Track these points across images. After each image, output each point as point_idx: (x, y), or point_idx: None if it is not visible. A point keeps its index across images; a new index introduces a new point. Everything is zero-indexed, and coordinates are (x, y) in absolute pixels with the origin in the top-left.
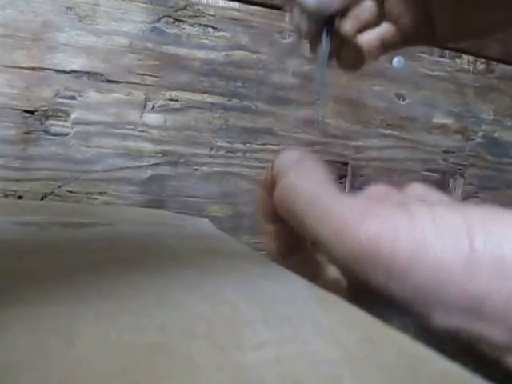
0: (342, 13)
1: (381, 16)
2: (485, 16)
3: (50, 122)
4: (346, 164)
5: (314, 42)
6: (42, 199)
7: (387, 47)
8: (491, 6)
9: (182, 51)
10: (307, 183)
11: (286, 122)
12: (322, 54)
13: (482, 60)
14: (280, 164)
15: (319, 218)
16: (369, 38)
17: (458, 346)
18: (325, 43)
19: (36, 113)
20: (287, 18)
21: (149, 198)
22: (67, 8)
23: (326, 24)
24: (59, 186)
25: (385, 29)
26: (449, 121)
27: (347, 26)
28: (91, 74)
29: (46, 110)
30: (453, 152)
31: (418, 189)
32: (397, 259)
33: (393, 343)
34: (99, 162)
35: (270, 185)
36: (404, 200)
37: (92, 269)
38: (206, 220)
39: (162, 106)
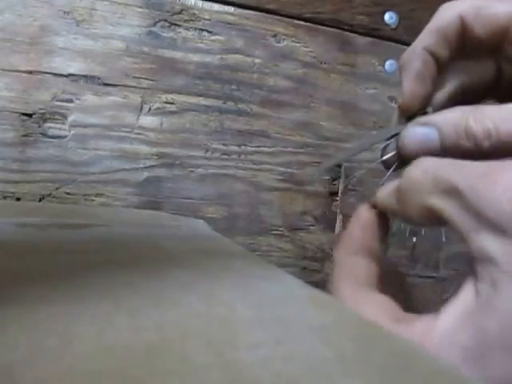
0: None
1: None
2: None
3: (48, 124)
4: (339, 166)
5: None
6: (39, 201)
7: None
8: None
9: (178, 55)
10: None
11: (281, 124)
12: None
13: None
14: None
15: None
16: None
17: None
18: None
19: (34, 116)
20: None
21: (145, 200)
22: (64, 12)
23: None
24: (57, 188)
25: None
26: None
27: None
28: (88, 78)
29: (44, 113)
30: None
31: None
32: None
33: (385, 342)
34: (96, 164)
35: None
36: None
37: (89, 269)
38: (202, 221)
39: (158, 108)
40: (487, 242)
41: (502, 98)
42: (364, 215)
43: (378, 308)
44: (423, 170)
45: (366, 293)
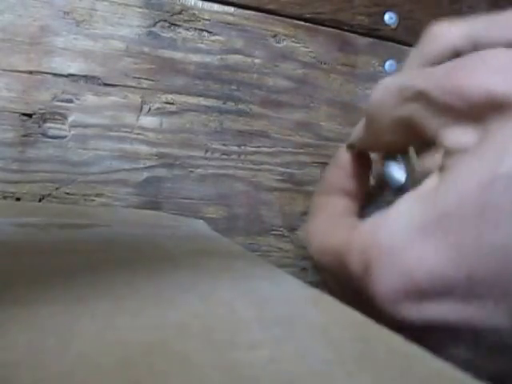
0: None
1: None
2: None
3: (48, 124)
4: None
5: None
6: (39, 201)
7: None
8: None
9: (178, 55)
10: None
11: (280, 124)
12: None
13: None
14: None
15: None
16: None
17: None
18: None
19: (34, 116)
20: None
21: (145, 200)
22: (64, 13)
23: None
24: (57, 188)
25: None
26: None
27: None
28: (88, 78)
29: (44, 113)
30: None
31: None
32: None
33: (385, 342)
34: (96, 165)
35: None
36: None
37: (89, 269)
38: (202, 221)
39: (157, 109)
40: (458, 135)
41: None
42: (341, 156)
43: (345, 228)
44: (384, 88)
45: (338, 221)
